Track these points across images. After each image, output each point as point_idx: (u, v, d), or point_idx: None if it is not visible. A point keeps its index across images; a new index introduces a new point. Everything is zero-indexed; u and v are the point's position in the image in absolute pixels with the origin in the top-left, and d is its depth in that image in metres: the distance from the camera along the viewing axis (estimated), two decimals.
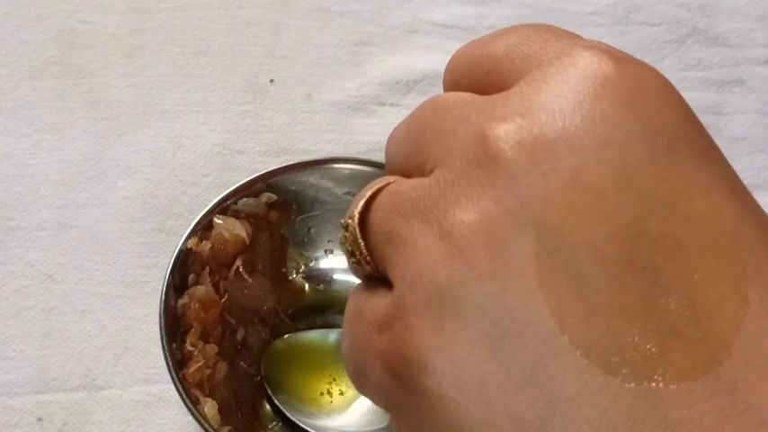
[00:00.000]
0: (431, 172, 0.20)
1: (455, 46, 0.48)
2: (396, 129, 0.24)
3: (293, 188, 0.38)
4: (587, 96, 0.19)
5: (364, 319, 0.21)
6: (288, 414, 0.36)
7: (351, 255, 0.22)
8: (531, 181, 0.18)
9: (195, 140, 0.45)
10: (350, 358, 0.22)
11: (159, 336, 0.34)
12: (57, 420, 0.39)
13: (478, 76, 0.22)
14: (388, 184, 0.22)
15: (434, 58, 0.48)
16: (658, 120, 0.19)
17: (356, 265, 0.22)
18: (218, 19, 0.48)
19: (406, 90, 0.47)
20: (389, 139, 0.24)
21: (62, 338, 0.40)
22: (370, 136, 0.45)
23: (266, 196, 0.37)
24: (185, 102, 0.46)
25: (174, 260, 0.35)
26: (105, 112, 0.45)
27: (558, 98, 0.19)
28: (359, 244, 0.21)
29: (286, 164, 0.38)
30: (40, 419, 0.39)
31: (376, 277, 0.21)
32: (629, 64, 0.20)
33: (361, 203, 0.22)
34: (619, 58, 0.20)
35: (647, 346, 0.17)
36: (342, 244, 0.22)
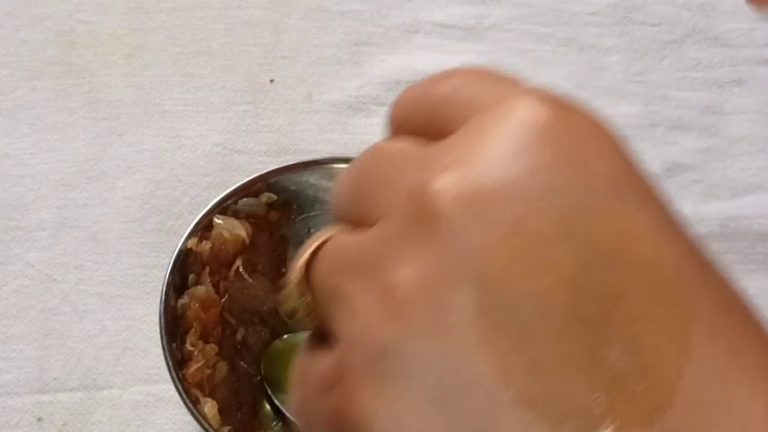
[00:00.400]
0: (373, 224, 0.20)
1: (455, 46, 0.48)
2: (341, 176, 0.23)
3: (293, 188, 0.38)
4: (526, 145, 0.19)
5: (310, 379, 0.21)
6: (288, 414, 0.36)
7: (294, 312, 0.22)
8: (470, 234, 0.18)
9: (195, 140, 0.45)
10: (298, 417, 0.22)
11: (159, 336, 0.34)
12: (57, 420, 0.39)
13: (421, 121, 0.22)
14: (331, 237, 0.21)
15: (434, 58, 0.48)
16: (598, 166, 0.19)
17: (300, 322, 0.22)
18: (218, 19, 0.48)
19: None
20: (336, 185, 0.24)
21: (62, 338, 0.40)
22: (370, 136, 0.45)
23: (266, 196, 0.37)
24: (185, 102, 0.46)
25: (174, 260, 0.35)
26: (105, 112, 0.45)
27: (497, 147, 0.19)
28: (301, 301, 0.21)
29: (286, 164, 0.38)
30: (39, 419, 0.39)
31: (321, 333, 0.21)
32: (568, 110, 0.20)
33: (304, 259, 0.21)
34: (558, 104, 0.20)
35: (593, 397, 0.17)
36: (285, 301, 0.22)
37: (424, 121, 0.22)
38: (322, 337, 0.21)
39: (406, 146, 0.21)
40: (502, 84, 0.21)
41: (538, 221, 0.18)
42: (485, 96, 0.21)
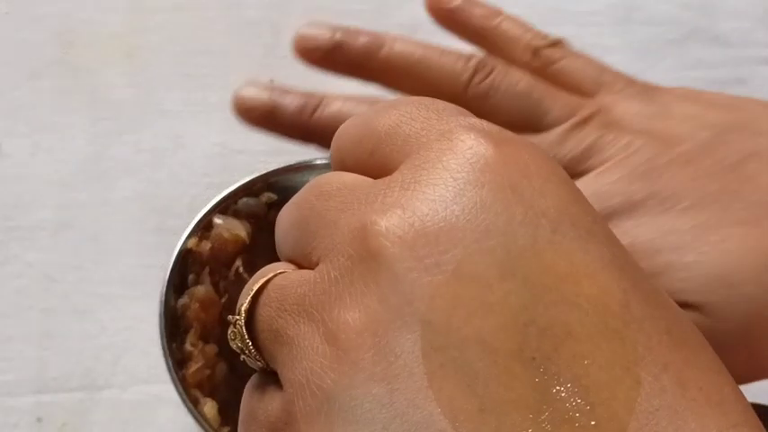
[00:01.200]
0: (316, 264, 0.20)
1: (455, 46, 0.48)
2: (282, 211, 0.23)
3: (293, 188, 0.38)
4: (467, 183, 0.19)
5: (257, 421, 0.20)
6: None
7: (240, 351, 0.22)
8: (413, 277, 0.18)
9: (195, 140, 0.45)
10: None
11: (159, 336, 0.34)
12: (56, 420, 0.39)
13: (363, 157, 0.22)
14: (275, 276, 0.21)
15: None
16: (541, 203, 0.19)
17: (247, 360, 0.22)
18: (218, 19, 0.48)
19: None
20: (278, 221, 0.23)
21: (62, 338, 0.40)
22: None
23: (266, 196, 0.37)
24: (185, 102, 0.46)
25: (174, 260, 0.35)
26: (105, 112, 0.45)
27: (438, 187, 0.19)
28: (246, 342, 0.21)
29: (286, 164, 0.38)
30: (39, 419, 0.39)
31: (269, 372, 0.21)
32: (510, 145, 0.20)
33: (248, 300, 0.21)
34: (499, 139, 0.20)
35: None
36: (231, 340, 0.22)
37: (366, 157, 0.22)
38: (270, 376, 0.21)
39: (348, 182, 0.21)
40: (443, 117, 0.21)
41: (480, 264, 0.18)
42: (425, 131, 0.20)
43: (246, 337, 0.21)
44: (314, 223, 0.21)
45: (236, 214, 0.37)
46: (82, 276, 0.42)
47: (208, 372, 0.35)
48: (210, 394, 0.34)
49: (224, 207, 0.36)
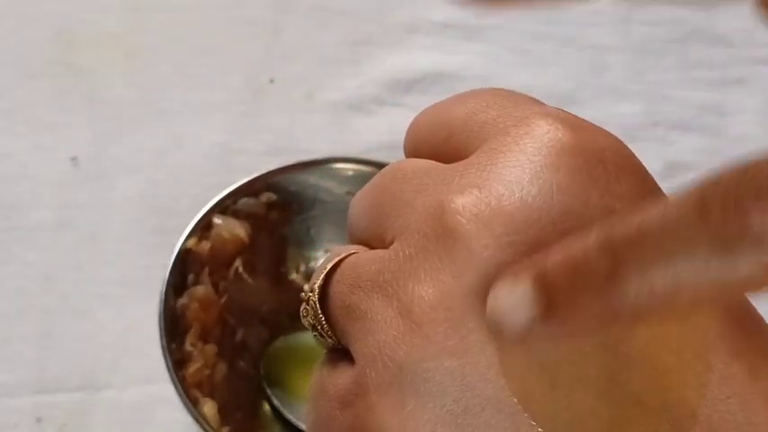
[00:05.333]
0: (390, 243, 0.20)
1: (455, 46, 0.48)
2: (357, 196, 0.23)
3: (293, 188, 0.38)
4: (544, 166, 0.19)
5: (327, 395, 0.20)
6: (287, 414, 0.36)
7: (312, 328, 0.22)
8: (488, 254, 0.18)
9: (195, 140, 0.45)
10: (314, 431, 0.22)
11: (159, 336, 0.34)
12: (56, 420, 0.39)
13: (438, 143, 0.22)
14: (348, 256, 0.21)
15: (434, 58, 0.48)
16: (616, 187, 0.19)
17: (319, 338, 0.22)
18: (218, 19, 0.48)
19: (406, 89, 0.47)
20: (352, 205, 0.24)
21: (61, 339, 0.40)
22: (370, 135, 0.45)
23: (266, 196, 0.37)
24: (185, 101, 0.46)
25: (174, 260, 0.35)
26: (105, 112, 0.45)
27: (515, 169, 0.19)
28: (319, 318, 0.21)
29: (286, 164, 0.38)
30: (39, 420, 0.39)
31: (339, 349, 0.21)
32: (586, 131, 0.20)
33: (322, 276, 0.21)
34: (575, 125, 0.20)
35: (612, 417, 0.17)
36: (303, 317, 0.22)
37: (441, 144, 0.22)
38: (340, 353, 0.21)
39: (423, 166, 0.21)
40: (519, 105, 0.21)
41: (555, 244, 0.18)
42: (502, 119, 0.21)
43: (320, 312, 0.21)
44: (389, 204, 0.21)
45: (236, 214, 0.37)
46: (81, 276, 0.41)
47: (207, 372, 0.35)
48: (210, 394, 0.34)
49: (224, 207, 0.36)
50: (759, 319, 0.19)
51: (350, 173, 0.38)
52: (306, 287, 0.22)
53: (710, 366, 0.17)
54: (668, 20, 0.50)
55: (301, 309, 0.22)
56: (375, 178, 0.23)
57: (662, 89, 0.48)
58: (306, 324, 0.22)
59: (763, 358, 0.18)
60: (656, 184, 0.20)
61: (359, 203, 0.23)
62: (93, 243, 0.42)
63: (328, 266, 0.21)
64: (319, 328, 0.21)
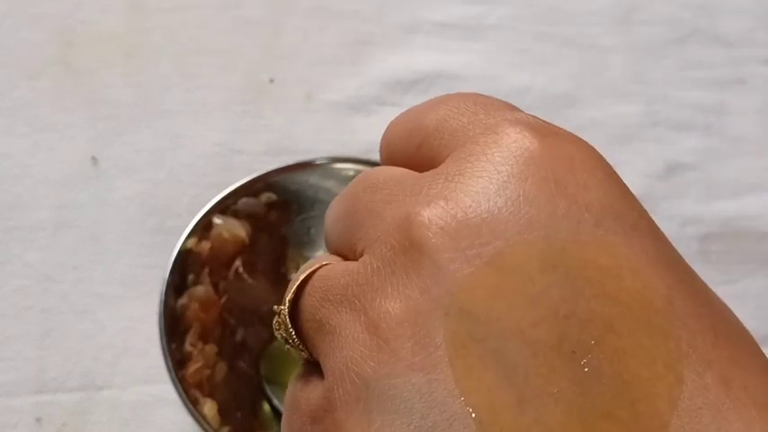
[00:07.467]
0: (361, 255, 0.20)
1: (455, 46, 0.48)
2: (331, 204, 0.23)
3: (293, 188, 0.38)
4: (511, 176, 0.19)
5: (299, 410, 0.20)
6: None
7: (285, 341, 0.22)
8: (455, 268, 0.18)
9: (195, 140, 0.45)
10: None
11: (159, 336, 0.34)
12: (56, 420, 0.39)
13: (410, 151, 0.22)
14: (320, 268, 0.21)
15: (434, 58, 0.48)
16: (585, 196, 0.19)
17: (292, 350, 0.22)
18: (218, 19, 0.48)
19: (406, 90, 0.47)
20: (327, 213, 0.24)
21: (61, 338, 0.40)
22: (370, 136, 0.45)
23: (266, 196, 0.37)
24: (185, 102, 0.45)
25: (174, 260, 0.35)
26: (104, 112, 0.45)
27: (482, 179, 0.19)
28: (290, 332, 0.21)
29: (286, 164, 0.38)
30: (38, 420, 0.39)
31: (313, 362, 0.21)
32: (556, 139, 0.20)
33: (293, 290, 0.21)
34: (544, 132, 0.20)
35: None
36: (276, 330, 0.22)
37: (413, 151, 0.22)
38: (314, 366, 0.21)
39: (396, 175, 0.21)
40: (490, 111, 0.21)
41: (522, 256, 0.18)
42: (472, 126, 0.21)
43: (290, 326, 0.21)
44: (360, 215, 0.21)
45: (236, 214, 0.37)
46: (81, 276, 0.41)
47: (207, 372, 0.35)
48: (210, 394, 0.34)
49: (224, 207, 0.36)
50: (733, 320, 0.19)
51: (350, 173, 0.38)
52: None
53: (682, 377, 0.17)
54: (668, 20, 0.50)
55: (273, 322, 0.22)
56: (349, 186, 0.23)
57: (662, 89, 0.48)
58: (278, 337, 0.22)
59: (736, 367, 0.17)
60: (627, 189, 0.20)
61: (332, 212, 0.23)
62: (93, 243, 0.42)
63: (300, 279, 0.21)
64: (291, 341, 0.21)
